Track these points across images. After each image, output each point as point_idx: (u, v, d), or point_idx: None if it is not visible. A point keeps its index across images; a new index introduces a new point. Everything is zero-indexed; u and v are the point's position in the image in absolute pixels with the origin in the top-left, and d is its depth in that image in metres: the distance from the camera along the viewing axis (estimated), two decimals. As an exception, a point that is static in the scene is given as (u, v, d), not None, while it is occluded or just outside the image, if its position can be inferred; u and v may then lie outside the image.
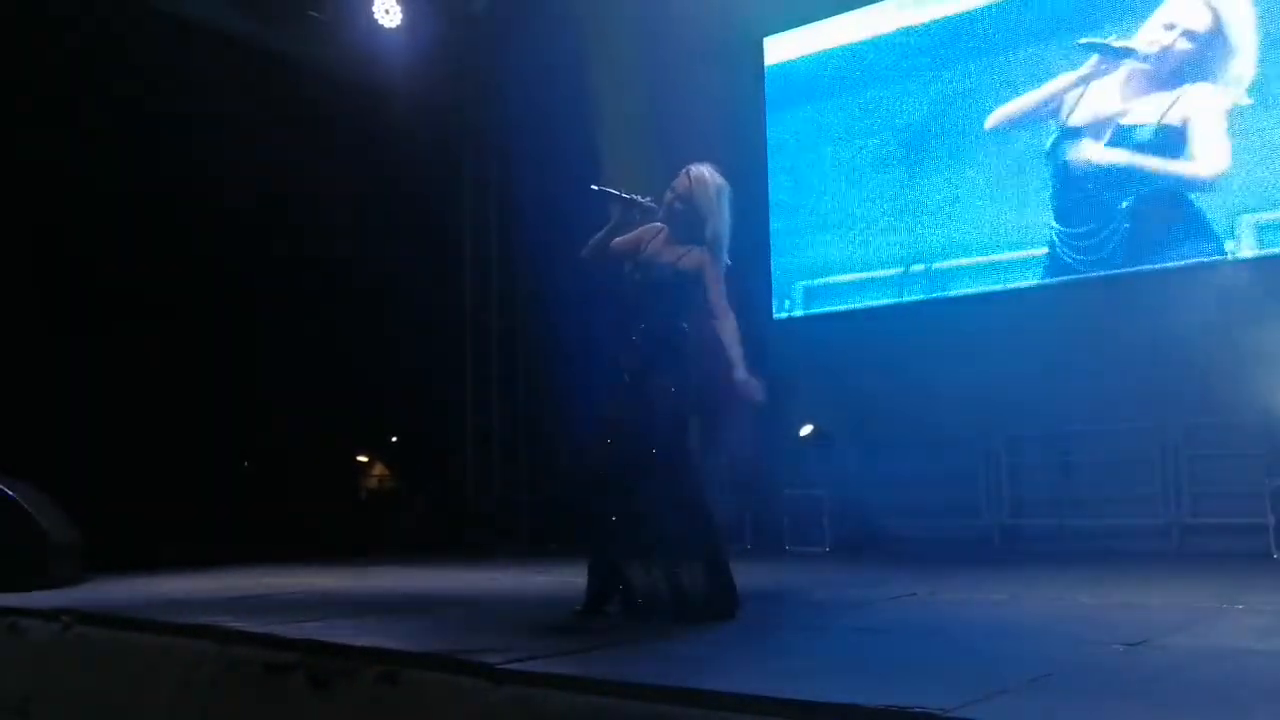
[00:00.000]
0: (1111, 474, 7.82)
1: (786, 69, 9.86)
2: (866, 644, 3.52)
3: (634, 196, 4.07)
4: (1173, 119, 7.84)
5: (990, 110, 8.65)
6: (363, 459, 12.58)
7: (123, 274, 8.04)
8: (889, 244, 9.05)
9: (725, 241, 4.03)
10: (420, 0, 9.79)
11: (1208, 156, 7.69)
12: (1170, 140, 7.85)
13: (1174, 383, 7.31)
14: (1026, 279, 8.40)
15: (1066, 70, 8.32)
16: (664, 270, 4.02)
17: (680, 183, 4.07)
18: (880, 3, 9.33)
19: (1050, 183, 8.40)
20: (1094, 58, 8.20)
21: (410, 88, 9.60)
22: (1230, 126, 7.63)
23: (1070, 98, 8.30)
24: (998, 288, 8.50)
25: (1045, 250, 8.35)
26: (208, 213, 8.44)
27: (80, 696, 3.95)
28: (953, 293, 8.72)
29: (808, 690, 2.43)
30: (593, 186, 4.08)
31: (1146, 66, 7.98)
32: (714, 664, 3.00)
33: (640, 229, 4.12)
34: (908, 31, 9.13)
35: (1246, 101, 7.58)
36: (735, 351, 3.94)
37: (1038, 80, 8.44)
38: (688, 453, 3.98)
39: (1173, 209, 7.82)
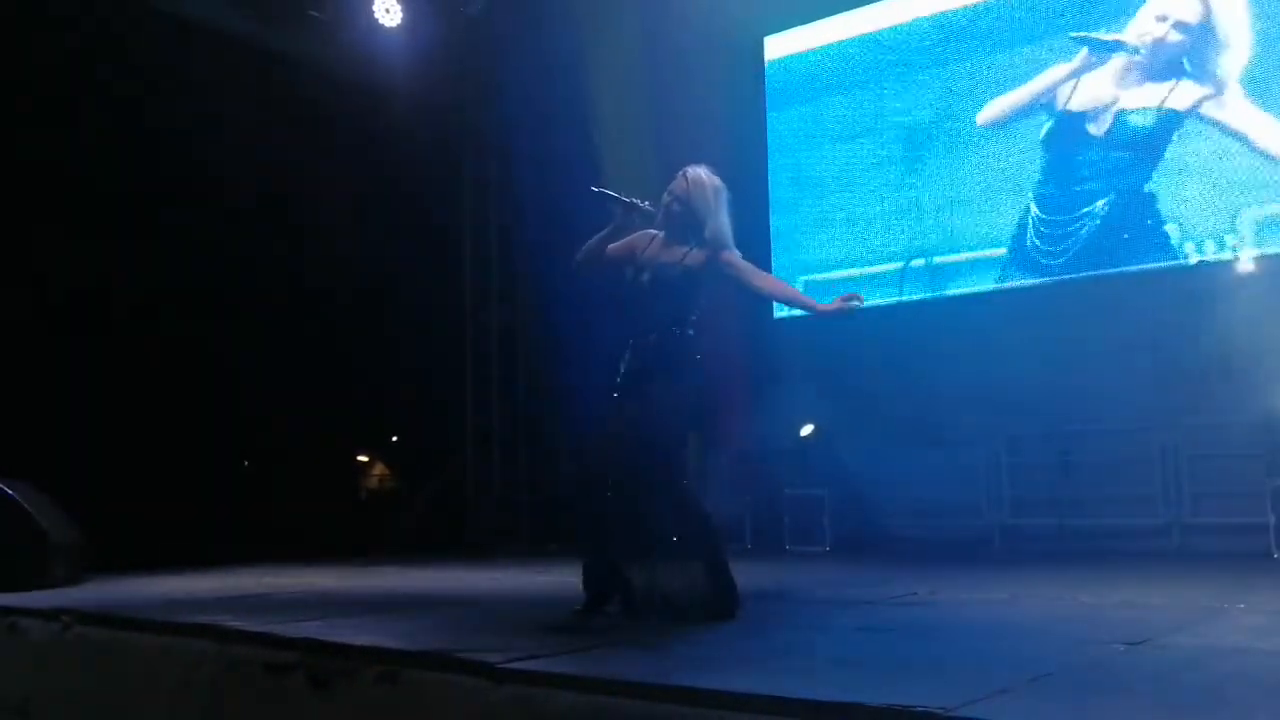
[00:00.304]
0: (1112, 473, 7.82)
1: (786, 67, 9.86)
2: (867, 643, 3.52)
3: (633, 200, 4.07)
4: (1165, 112, 7.83)
5: (989, 105, 8.65)
6: (363, 459, 12.59)
7: (122, 274, 8.04)
8: (889, 242, 9.05)
9: (726, 240, 4.03)
10: (420, 0, 9.79)
11: (1206, 152, 7.69)
12: (1168, 135, 7.85)
13: (1174, 382, 7.32)
14: (1026, 278, 8.39)
15: (1060, 63, 8.31)
16: (670, 270, 4.01)
17: (677, 185, 4.07)
18: (879, 1, 9.32)
19: (1048, 180, 8.40)
20: (1083, 51, 8.20)
21: (410, 87, 9.60)
22: (1227, 120, 7.62)
23: (1063, 92, 8.30)
24: (998, 286, 8.49)
25: (1045, 249, 8.34)
26: (207, 212, 8.44)
27: (80, 696, 3.95)
28: (953, 291, 8.71)
29: (809, 689, 2.42)
30: (592, 188, 4.07)
31: (1139, 59, 7.98)
32: (714, 663, 3.00)
33: (633, 235, 4.12)
34: (907, 29, 9.14)
35: (1243, 94, 7.57)
36: (799, 295, 4.36)
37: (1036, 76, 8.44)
38: (691, 453, 3.98)
39: (1172, 207, 7.82)
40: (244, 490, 8.97)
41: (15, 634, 4.31)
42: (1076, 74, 8.24)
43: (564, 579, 5.01)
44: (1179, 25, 7.84)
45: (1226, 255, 7.58)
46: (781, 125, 9.85)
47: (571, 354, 9.07)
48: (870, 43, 9.35)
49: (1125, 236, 7.98)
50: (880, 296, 9.04)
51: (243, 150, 8.19)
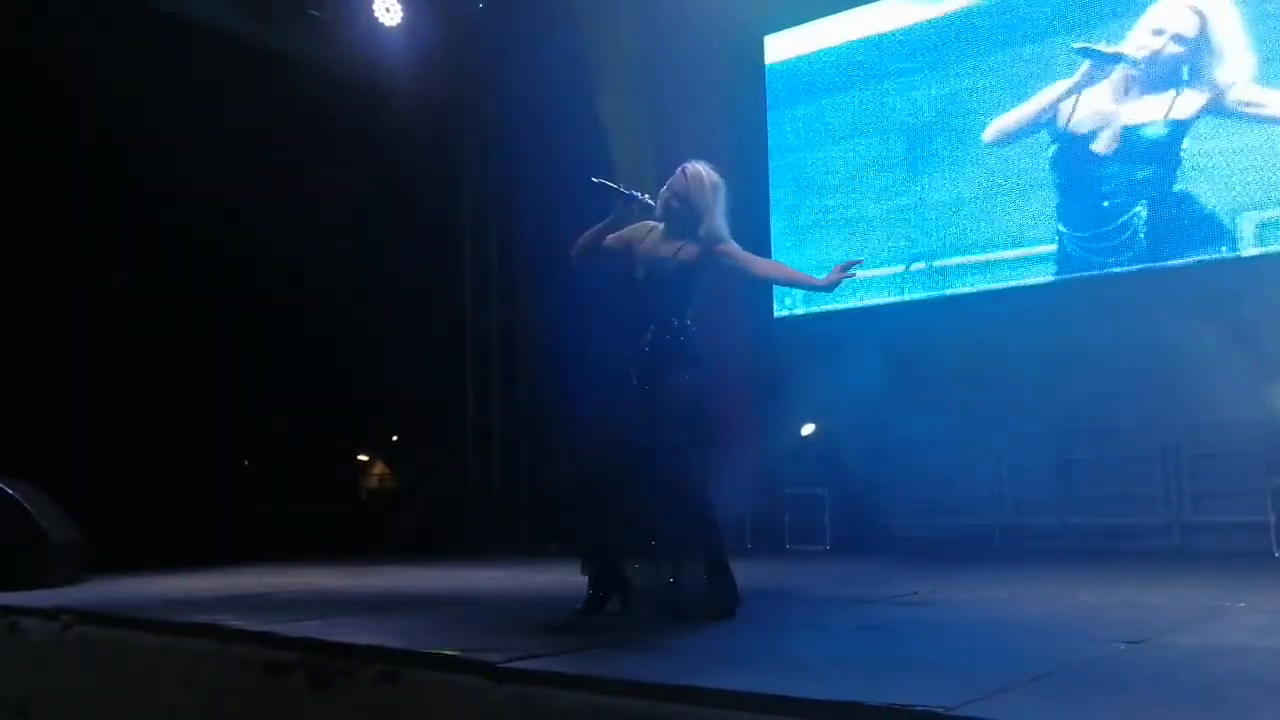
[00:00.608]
0: (1112, 472, 7.82)
1: (787, 67, 9.85)
2: (867, 642, 3.52)
3: (633, 192, 4.08)
4: (1168, 120, 7.83)
5: (992, 107, 8.64)
6: (363, 458, 12.59)
7: (123, 274, 8.04)
8: (890, 242, 9.04)
9: (723, 237, 4.04)
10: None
11: (1204, 156, 7.68)
12: (1167, 141, 7.85)
13: (1174, 381, 7.31)
14: (1027, 277, 8.39)
15: (1064, 71, 8.32)
16: (666, 264, 4.02)
17: (677, 181, 4.08)
18: (880, 1, 9.32)
19: (1050, 183, 8.40)
20: (1086, 63, 8.21)
21: (410, 87, 9.61)
22: (1225, 126, 7.62)
23: (1066, 102, 8.30)
24: (998, 286, 8.49)
25: (1046, 249, 8.34)
26: (207, 212, 8.44)
27: (80, 696, 3.95)
28: (953, 291, 8.71)
29: (809, 688, 2.42)
30: (592, 179, 4.08)
31: (1138, 71, 7.99)
32: (715, 662, 3.00)
33: (629, 228, 4.13)
34: (908, 29, 9.13)
35: (1240, 102, 7.57)
36: (799, 274, 4.44)
37: (1039, 78, 8.43)
38: (691, 451, 3.97)
39: (1171, 209, 7.82)
40: (244, 490, 8.98)
41: (15, 633, 4.31)
42: (1079, 86, 8.23)
43: (564, 578, 5.01)
44: (1176, 38, 7.84)
45: (1227, 254, 7.57)
46: (782, 126, 9.84)
47: (571, 354, 9.07)
48: (871, 43, 9.34)
49: (1125, 238, 7.98)
50: (882, 296, 9.03)
51: (242, 150, 8.19)
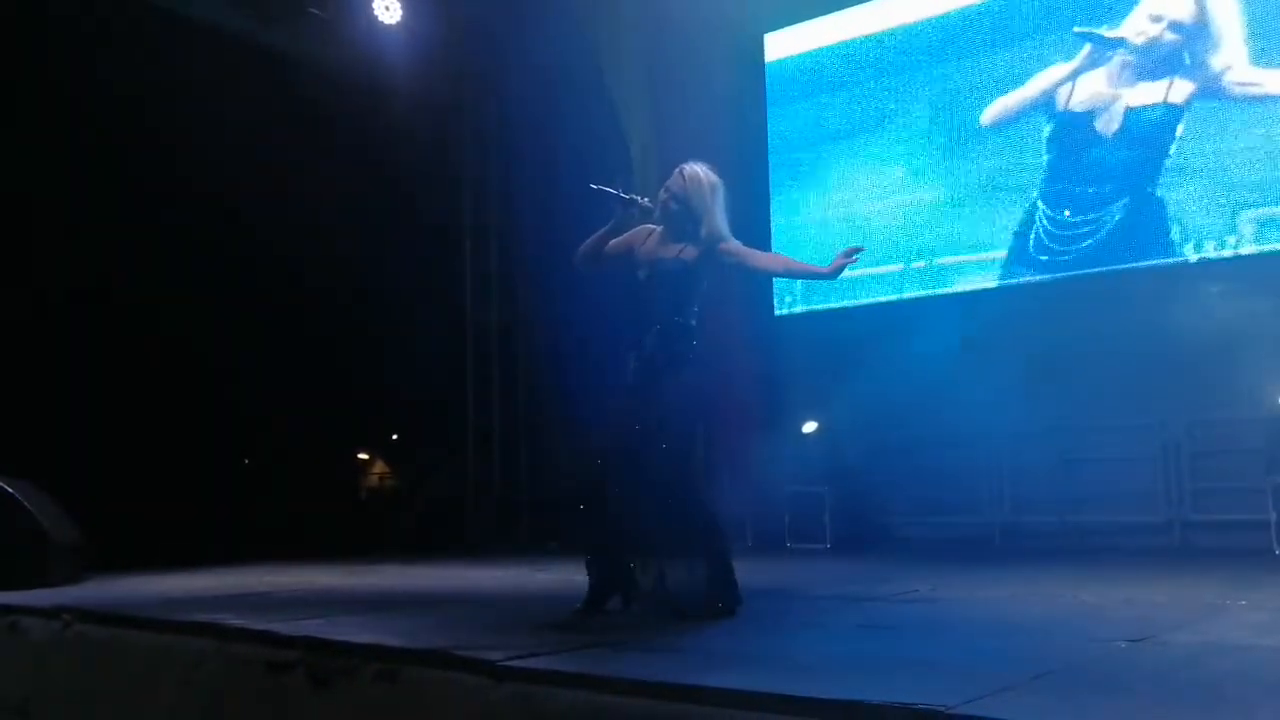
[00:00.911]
0: (1113, 471, 7.81)
1: (787, 65, 9.85)
2: (868, 641, 3.51)
3: (632, 196, 4.07)
4: (1168, 111, 7.82)
5: (991, 104, 8.64)
6: (363, 457, 12.60)
7: (122, 273, 8.04)
8: (890, 240, 9.04)
9: (726, 234, 4.04)
10: (420, -3, 9.79)
11: (1206, 149, 7.68)
12: (1168, 133, 7.84)
13: (1175, 379, 7.31)
14: (1027, 275, 8.39)
15: (1060, 61, 8.31)
16: (668, 265, 4.02)
17: (675, 182, 4.07)
18: (880, -1, 9.32)
19: (1049, 178, 8.40)
20: (1086, 48, 8.19)
21: (410, 85, 9.60)
22: (1227, 117, 7.62)
23: (1063, 91, 8.29)
24: (998, 284, 8.49)
25: (1046, 246, 8.33)
26: (207, 211, 8.44)
27: (80, 695, 3.95)
28: (953, 289, 8.71)
29: (810, 687, 2.42)
30: (591, 185, 4.08)
31: (1136, 58, 7.98)
32: (716, 661, 2.99)
33: (630, 232, 4.13)
34: (907, 28, 9.12)
35: (1236, 83, 7.57)
36: (801, 264, 4.37)
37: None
38: (693, 450, 3.98)
39: (1172, 204, 7.82)
40: (244, 489, 8.97)
41: (15, 633, 4.31)
42: (1076, 73, 8.23)
43: (564, 577, 5.01)
44: (1174, 25, 7.84)
45: (1227, 253, 7.57)
46: (782, 123, 9.84)
47: (571, 354, 9.08)
48: (871, 41, 9.34)
49: (1126, 235, 7.97)
50: (881, 294, 9.03)
51: (242, 149, 8.20)
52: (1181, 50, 7.83)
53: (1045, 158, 8.42)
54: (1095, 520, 7.76)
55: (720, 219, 4.04)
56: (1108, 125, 8.12)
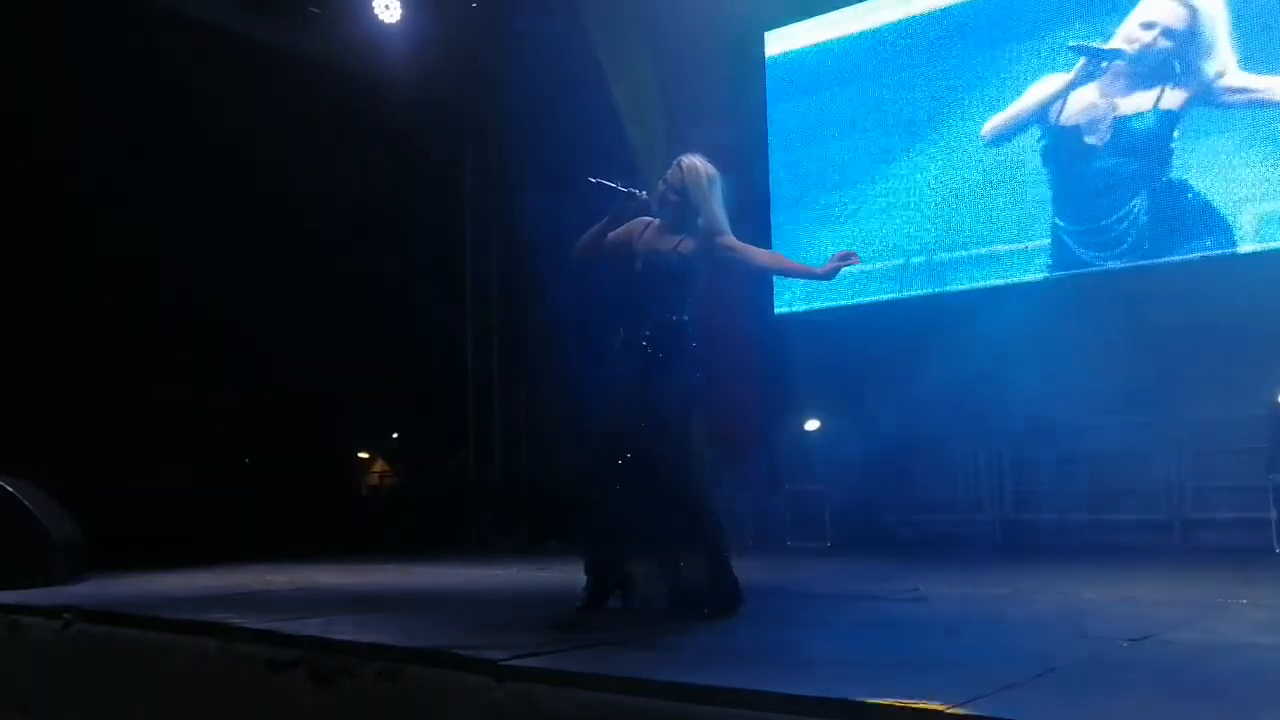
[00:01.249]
0: (1113, 468, 7.80)
1: (787, 61, 9.84)
2: (869, 639, 3.52)
3: (631, 189, 4.08)
4: (1161, 112, 7.82)
5: (991, 101, 8.64)
6: (363, 456, 12.58)
7: (122, 272, 8.03)
8: (890, 238, 9.03)
9: (722, 228, 4.04)
10: (420, -5, 9.78)
11: (1204, 149, 7.68)
12: (1160, 134, 7.84)
13: (1176, 377, 7.31)
14: (1028, 273, 8.39)
15: (1061, 65, 8.32)
16: (665, 258, 4.01)
17: (672, 174, 4.08)
18: (879, -4, 9.32)
19: (1047, 178, 8.39)
20: (1082, 60, 8.21)
21: (410, 84, 9.59)
22: (1218, 117, 7.61)
23: (1060, 99, 8.29)
24: (999, 282, 8.49)
25: (1047, 244, 8.33)
26: (206, 210, 8.43)
27: (81, 694, 3.95)
28: (954, 287, 8.70)
29: (811, 686, 2.42)
30: (589, 179, 4.08)
31: (1129, 65, 7.99)
32: (716, 660, 3.00)
33: (629, 223, 4.13)
34: (908, 23, 9.11)
35: (1229, 89, 7.56)
36: (796, 264, 4.38)
37: (1037, 72, 8.42)
38: (693, 447, 3.97)
39: (1170, 203, 7.81)
40: (244, 488, 8.97)
41: (16, 632, 4.31)
42: (1075, 83, 8.23)
43: (565, 576, 5.01)
44: (1166, 31, 7.85)
45: (1226, 251, 7.56)
46: (782, 120, 9.83)
47: (572, 350, 9.08)
48: (871, 37, 9.33)
49: (1126, 233, 7.97)
50: (881, 292, 9.03)
51: (241, 147, 8.19)
52: (1173, 55, 7.83)
53: (1045, 156, 8.41)
54: (1096, 518, 7.75)
55: (719, 211, 4.04)
56: (1103, 127, 8.12)
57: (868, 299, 9.06)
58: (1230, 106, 7.59)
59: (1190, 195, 7.73)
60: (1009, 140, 8.54)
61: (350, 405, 9.87)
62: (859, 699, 2.27)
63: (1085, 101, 8.18)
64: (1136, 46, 7.96)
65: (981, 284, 8.57)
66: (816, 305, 9.37)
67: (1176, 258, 7.75)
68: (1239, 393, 7.02)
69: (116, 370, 7.88)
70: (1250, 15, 7.54)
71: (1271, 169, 7.42)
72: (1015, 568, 6.12)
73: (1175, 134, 7.78)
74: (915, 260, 8.92)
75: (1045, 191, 8.39)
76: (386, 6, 9.53)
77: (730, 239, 4.04)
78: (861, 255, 4.05)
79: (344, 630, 3.54)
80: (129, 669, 3.83)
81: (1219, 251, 7.58)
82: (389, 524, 10.16)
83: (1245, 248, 7.50)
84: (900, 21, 9.16)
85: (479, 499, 10.59)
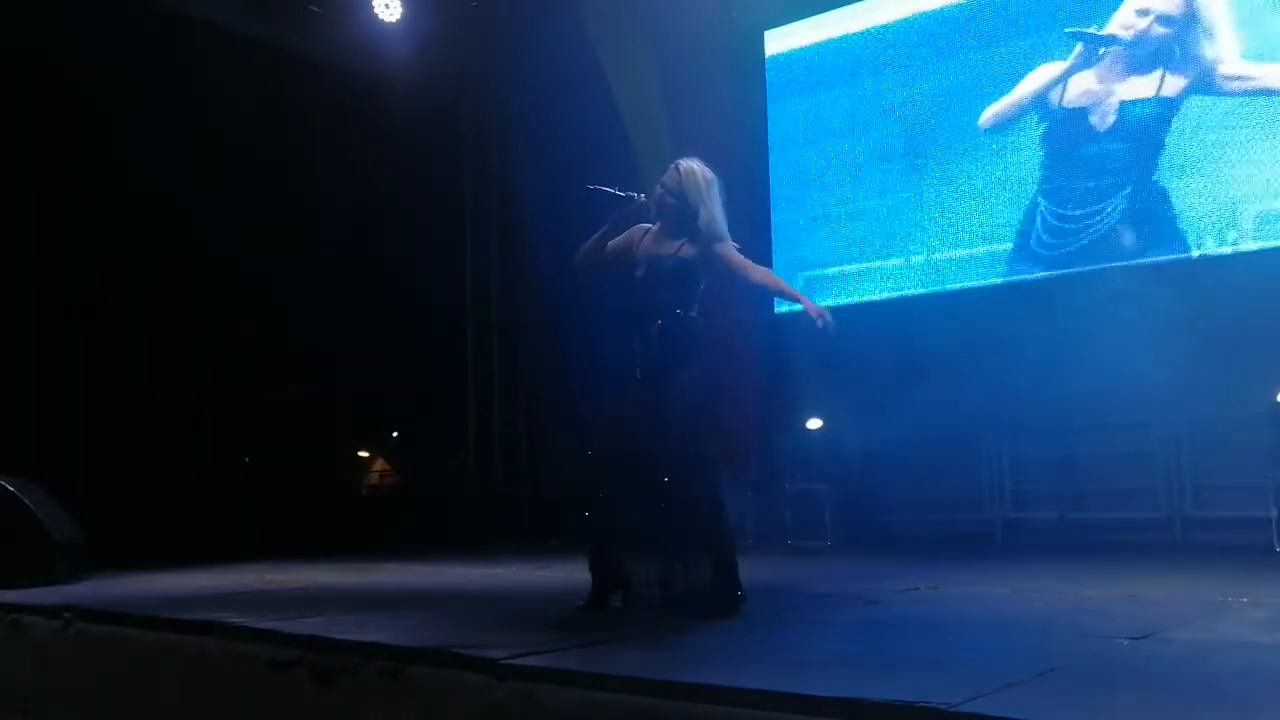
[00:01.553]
0: (1114, 467, 7.80)
1: (787, 61, 9.84)
2: (870, 638, 3.51)
3: (629, 193, 4.07)
4: (1165, 105, 7.82)
5: (990, 100, 8.63)
6: (364, 455, 12.59)
7: (122, 270, 8.03)
8: (890, 236, 9.03)
9: (721, 231, 4.03)
10: (420, -5, 9.78)
11: (1206, 143, 7.67)
12: (1166, 127, 7.83)
13: (1176, 375, 7.30)
14: (1028, 272, 8.38)
15: (1057, 56, 8.31)
16: (665, 262, 4.01)
17: (670, 177, 4.08)
18: (879, -5, 9.32)
19: (1050, 175, 8.39)
20: (1079, 46, 8.19)
21: (411, 82, 9.59)
22: (1224, 109, 7.61)
23: (1057, 88, 8.28)
24: (999, 280, 8.48)
25: (1047, 242, 8.33)
26: (206, 208, 8.43)
27: (82, 694, 3.95)
28: (954, 286, 8.70)
29: (812, 685, 2.42)
30: (588, 186, 4.07)
31: (1129, 53, 7.98)
32: (717, 659, 2.99)
33: (628, 231, 4.13)
34: (908, 22, 9.11)
35: (1228, 77, 7.56)
36: (789, 288, 4.26)
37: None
38: (699, 449, 3.96)
39: (1172, 200, 7.81)
40: (244, 487, 8.97)
41: (17, 631, 4.31)
42: (1070, 72, 8.22)
43: (566, 575, 5.01)
44: (1161, 18, 7.84)
45: (1227, 249, 7.56)
46: (782, 120, 9.83)
47: (573, 349, 9.07)
48: (871, 37, 9.33)
49: (1128, 230, 7.97)
50: (882, 291, 9.03)
51: (241, 146, 8.19)
52: (1172, 44, 7.82)
53: (1043, 154, 8.40)
54: (1096, 517, 7.75)
55: (718, 214, 4.04)
56: (1102, 122, 8.11)
57: (868, 298, 9.05)
58: (1230, 94, 7.56)
59: (1191, 191, 7.73)
60: (1007, 129, 8.52)
61: (350, 405, 9.88)
62: (860, 698, 2.27)
63: (1082, 89, 8.17)
64: (1132, 33, 7.95)
65: (982, 283, 8.57)
66: (817, 304, 9.35)
67: (1178, 255, 7.74)
68: (1239, 390, 7.02)
69: (117, 370, 7.88)
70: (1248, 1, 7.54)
71: (1272, 167, 7.40)
72: (1015, 566, 6.12)
73: (1175, 126, 7.77)
74: (915, 259, 8.92)
75: (1045, 189, 8.38)
76: (387, 6, 9.52)
77: (729, 250, 4.00)
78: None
79: (345, 629, 3.54)
80: (130, 668, 3.83)
81: (1220, 249, 7.58)
82: (389, 524, 10.17)
83: (1246, 245, 7.50)
84: (900, 20, 9.16)
85: (479, 499, 10.59)
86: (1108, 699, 2.41)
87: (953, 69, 8.85)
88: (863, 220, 9.19)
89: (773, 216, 9.66)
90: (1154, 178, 7.90)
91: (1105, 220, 8.05)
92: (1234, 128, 7.56)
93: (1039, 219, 8.37)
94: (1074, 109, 8.24)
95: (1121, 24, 8.01)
